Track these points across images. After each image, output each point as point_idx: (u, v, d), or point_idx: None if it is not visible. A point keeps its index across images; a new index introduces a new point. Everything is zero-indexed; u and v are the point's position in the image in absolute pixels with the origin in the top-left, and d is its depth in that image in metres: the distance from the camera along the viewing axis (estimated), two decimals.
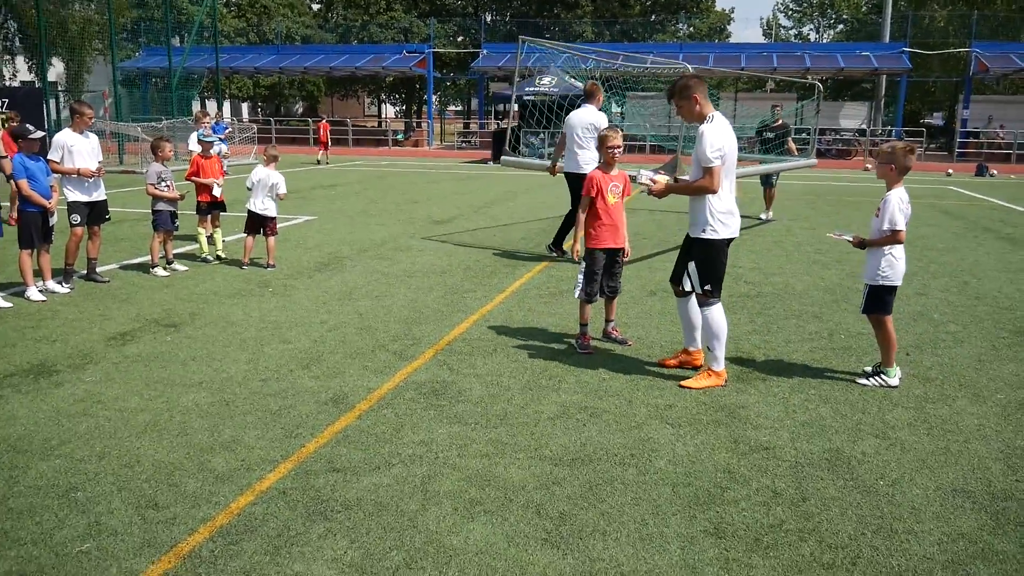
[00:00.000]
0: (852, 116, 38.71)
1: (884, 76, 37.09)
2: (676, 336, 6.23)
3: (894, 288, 5.24)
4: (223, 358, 5.66)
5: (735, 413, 4.75)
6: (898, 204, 5.10)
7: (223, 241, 9.48)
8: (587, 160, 8.96)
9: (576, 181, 8.85)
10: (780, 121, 14.71)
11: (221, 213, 9.54)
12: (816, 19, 61.99)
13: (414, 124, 47.23)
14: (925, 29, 39.67)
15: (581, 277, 5.90)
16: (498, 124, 39.11)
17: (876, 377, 5.29)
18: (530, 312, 7.11)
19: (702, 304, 5.25)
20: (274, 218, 8.99)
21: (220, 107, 32.73)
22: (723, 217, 5.13)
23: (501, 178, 22.27)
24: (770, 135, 14.74)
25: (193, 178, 9.38)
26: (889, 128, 36.50)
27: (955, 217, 14.66)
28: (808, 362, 5.80)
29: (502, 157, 11.40)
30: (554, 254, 9.79)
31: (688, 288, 5.29)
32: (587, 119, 9.21)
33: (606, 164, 5.87)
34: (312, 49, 44.85)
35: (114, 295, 7.58)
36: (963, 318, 7.13)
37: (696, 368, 5.45)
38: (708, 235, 5.16)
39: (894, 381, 5.25)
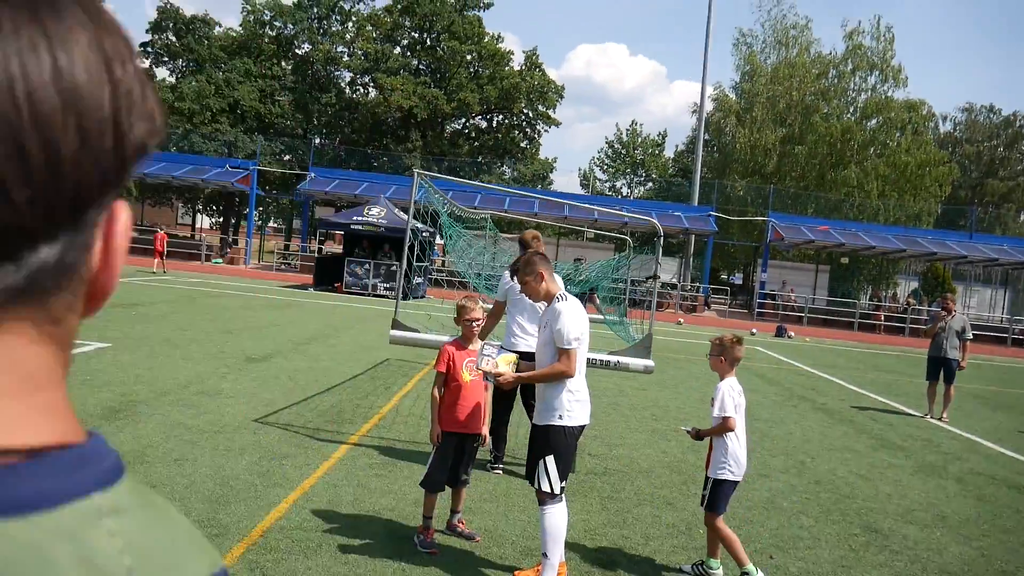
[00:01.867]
0: (664, 270, 41.05)
1: (693, 236, 39.78)
2: (528, 530, 5.54)
3: (735, 484, 5.01)
4: None
5: None
6: (728, 391, 5.04)
7: None
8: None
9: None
10: (584, 276, 14.79)
11: None
12: (628, 175, 66.75)
13: (231, 240, 45.24)
14: (727, 196, 43.30)
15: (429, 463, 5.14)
16: (320, 249, 38.14)
17: None
18: (360, 488, 6.18)
19: (544, 503, 4.59)
20: None
21: None
22: (579, 402, 4.70)
23: (321, 309, 21.24)
24: (574, 290, 14.61)
25: None
26: (698, 285, 38.87)
27: (770, 382, 15.16)
28: (671, 564, 5.26)
29: (392, 332, 7.91)
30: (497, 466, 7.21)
31: (546, 488, 4.60)
32: None
33: (464, 338, 5.24)
34: None
35: None
36: (812, 508, 6.91)
37: None
38: (565, 422, 4.64)
39: None
